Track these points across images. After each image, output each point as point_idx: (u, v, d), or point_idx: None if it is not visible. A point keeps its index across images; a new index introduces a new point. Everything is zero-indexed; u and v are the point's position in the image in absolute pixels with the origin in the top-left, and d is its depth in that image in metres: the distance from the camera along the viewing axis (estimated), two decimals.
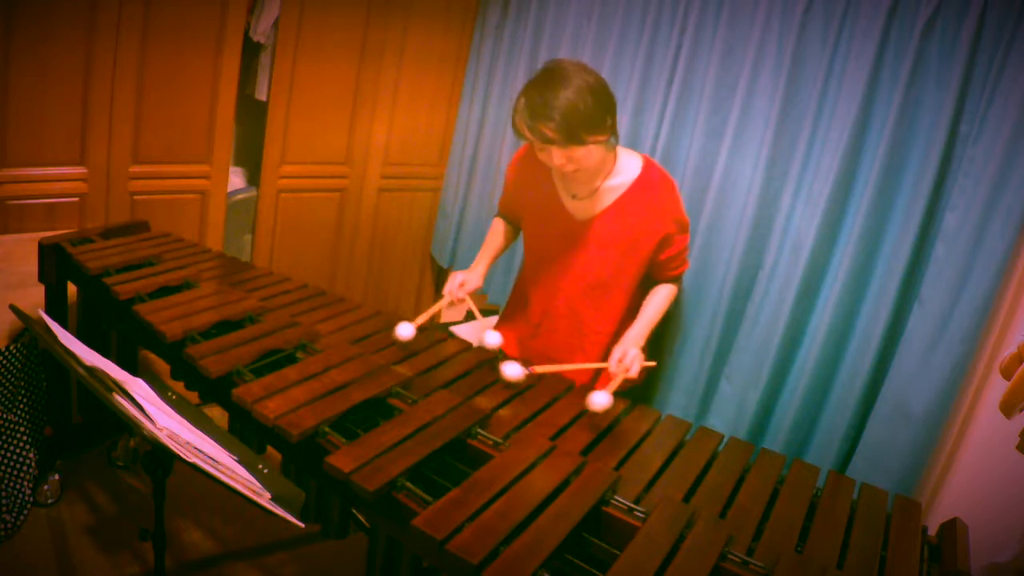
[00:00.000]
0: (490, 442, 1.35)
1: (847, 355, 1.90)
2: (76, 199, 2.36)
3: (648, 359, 1.68)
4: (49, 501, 2.12)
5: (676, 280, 1.82)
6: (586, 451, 1.38)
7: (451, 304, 1.83)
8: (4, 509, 1.97)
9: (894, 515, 1.32)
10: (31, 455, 2.06)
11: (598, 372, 1.81)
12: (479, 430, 1.37)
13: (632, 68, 2.37)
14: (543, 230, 1.80)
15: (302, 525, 1.17)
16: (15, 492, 2.01)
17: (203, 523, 2.18)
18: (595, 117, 1.52)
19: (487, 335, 1.73)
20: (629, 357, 1.61)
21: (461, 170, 3.15)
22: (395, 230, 3.30)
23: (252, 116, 2.89)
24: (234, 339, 1.62)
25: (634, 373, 1.61)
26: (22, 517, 2.01)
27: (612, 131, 1.59)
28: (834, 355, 1.91)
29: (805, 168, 1.94)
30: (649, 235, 1.70)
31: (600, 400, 1.47)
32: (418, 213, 3.35)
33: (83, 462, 2.33)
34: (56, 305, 2.10)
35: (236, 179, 2.94)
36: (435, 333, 1.83)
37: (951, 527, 1.30)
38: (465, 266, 3.12)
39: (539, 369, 1.61)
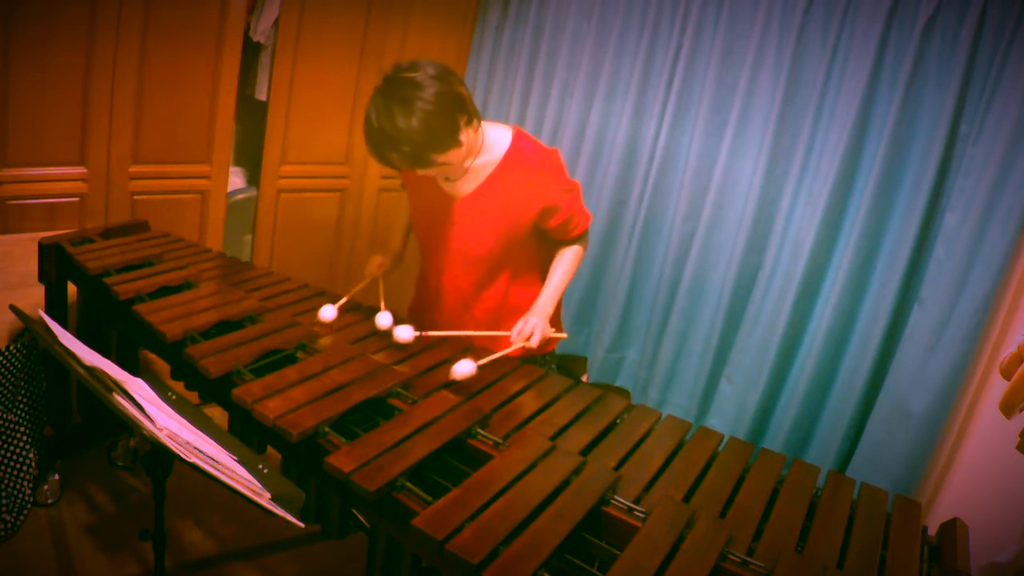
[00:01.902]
0: (490, 442, 1.35)
1: (847, 355, 1.90)
2: (76, 199, 2.36)
3: (648, 356, 1.67)
4: (49, 501, 2.12)
5: (579, 240, 1.80)
6: (586, 451, 1.38)
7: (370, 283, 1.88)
8: (4, 509, 1.97)
9: (894, 515, 1.32)
10: (31, 455, 2.06)
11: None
12: (479, 430, 1.37)
13: (632, 68, 2.38)
14: (424, 211, 1.81)
15: (302, 525, 1.17)
16: (15, 492, 2.01)
17: (203, 523, 2.18)
18: (443, 137, 1.48)
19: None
20: (528, 327, 1.63)
21: None
22: None
23: (252, 116, 2.89)
24: (234, 339, 1.62)
25: (534, 343, 1.62)
26: (22, 517, 2.01)
27: (468, 124, 1.54)
28: (834, 355, 1.91)
29: (805, 168, 1.94)
30: (524, 209, 1.69)
31: (463, 368, 1.52)
32: None
33: (83, 462, 2.33)
34: (56, 305, 2.10)
35: (236, 179, 2.94)
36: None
37: (951, 527, 1.30)
38: None
39: (484, 361, 1.59)
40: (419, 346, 1.68)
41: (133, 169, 2.45)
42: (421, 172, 1.57)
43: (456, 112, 1.50)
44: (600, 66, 2.47)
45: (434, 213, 1.76)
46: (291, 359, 1.60)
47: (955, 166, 1.69)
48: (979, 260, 1.60)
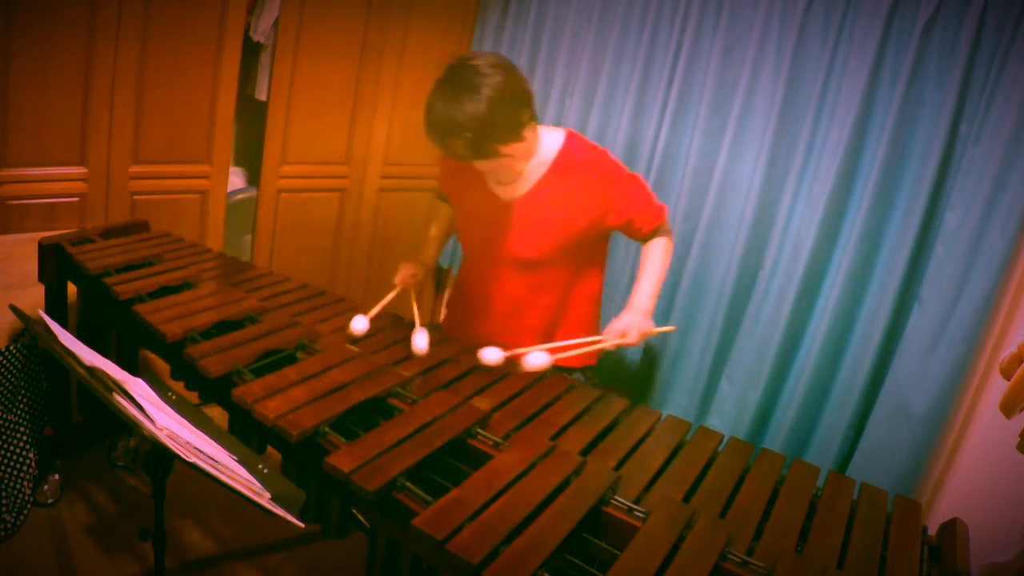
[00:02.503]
0: (490, 442, 1.35)
1: (847, 355, 1.90)
2: (76, 199, 2.36)
3: (648, 355, 1.65)
4: (49, 501, 2.12)
5: (659, 233, 1.74)
6: (586, 451, 1.38)
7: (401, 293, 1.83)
8: (4, 509, 1.97)
9: (894, 515, 1.32)
10: (31, 455, 2.06)
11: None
12: (479, 430, 1.37)
13: (632, 68, 2.38)
14: (472, 215, 1.78)
15: (302, 525, 1.17)
16: (15, 492, 2.01)
17: (203, 523, 2.18)
18: (508, 127, 1.47)
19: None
20: (622, 324, 1.58)
21: None
22: (395, 230, 3.29)
23: (252, 116, 2.89)
24: (234, 339, 1.62)
25: (632, 340, 1.56)
26: (22, 517, 2.01)
27: (529, 123, 1.54)
28: (834, 355, 1.91)
29: (805, 168, 1.94)
30: (578, 211, 1.65)
31: (536, 360, 1.50)
32: (418, 213, 3.35)
33: (83, 462, 2.33)
34: (56, 305, 2.10)
35: (236, 179, 2.94)
36: (436, 333, 1.83)
37: (951, 527, 1.30)
38: None
39: (521, 352, 1.57)
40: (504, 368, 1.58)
41: (133, 169, 2.45)
42: (481, 166, 1.54)
43: (521, 104, 1.50)
44: (600, 66, 2.47)
45: (484, 217, 1.73)
46: (291, 359, 1.60)
47: (955, 166, 1.69)
48: (979, 260, 1.60)
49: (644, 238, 1.74)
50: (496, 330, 1.79)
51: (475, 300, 1.84)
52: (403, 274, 1.82)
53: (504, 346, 1.70)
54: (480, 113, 1.43)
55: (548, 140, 1.65)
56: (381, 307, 1.79)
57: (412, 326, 1.73)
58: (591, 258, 1.77)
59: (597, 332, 1.82)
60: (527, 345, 1.70)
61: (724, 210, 2.13)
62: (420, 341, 1.65)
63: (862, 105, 1.79)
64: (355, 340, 1.70)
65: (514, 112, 1.49)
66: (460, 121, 1.43)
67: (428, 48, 3.03)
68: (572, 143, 1.66)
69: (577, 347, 1.60)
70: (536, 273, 1.72)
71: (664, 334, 1.68)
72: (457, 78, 1.46)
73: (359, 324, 1.71)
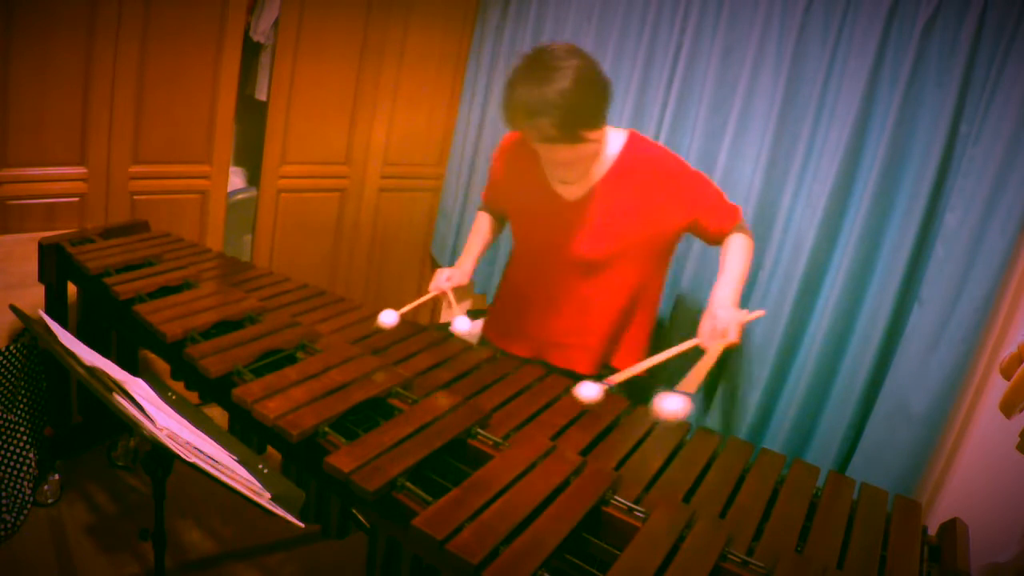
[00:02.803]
0: (490, 442, 1.35)
1: (847, 355, 1.90)
2: (76, 199, 2.36)
3: (650, 355, 1.56)
4: (49, 501, 2.12)
5: (737, 230, 1.68)
6: (586, 451, 1.38)
7: (436, 297, 1.80)
8: (4, 509, 1.97)
9: (894, 515, 1.32)
10: (31, 455, 2.06)
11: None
12: (479, 430, 1.37)
13: (632, 68, 2.37)
14: (534, 215, 1.75)
15: (302, 525, 1.17)
16: (15, 492, 2.01)
17: (203, 523, 2.18)
18: (594, 111, 1.47)
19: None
20: (720, 324, 1.46)
21: (461, 170, 3.15)
22: (395, 230, 3.30)
23: (252, 116, 2.89)
24: (234, 339, 1.62)
25: (733, 338, 1.44)
26: (22, 517, 2.01)
27: (608, 114, 1.53)
28: (834, 355, 1.91)
29: (805, 168, 1.94)
30: (646, 211, 1.63)
31: (589, 391, 1.41)
32: (418, 213, 3.35)
33: (83, 462, 2.33)
34: (56, 305, 2.10)
35: (236, 179, 2.94)
36: (435, 333, 1.83)
37: (951, 527, 1.30)
38: None
39: (616, 379, 1.44)
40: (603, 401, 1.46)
41: (133, 169, 2.45)
42: (558, 154, 1.52)
43: (603, 89, 1.49)
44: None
45: (546, 218, 1.71)
46: (291, 359, 1.60)
47: (955, 166, 1.69)
48: (979, 260, 1.60)
49: (717, 240, 1.70)
50: (557, 332, 1.78)
51: (533, 302, 1.81)
52: (438, 280, 1.79)
53: (566, 347, 1.71)
54: (567, 90, 1.41)
55: (612, 139, 1.64)
56: (414, 307, 1.75)
57: (445, 326, 1.72)
58: (657, 262, 1.74)
59: (650, 339, 1.82)
60: (591, 347, 1.70)
61: None
62: (462, 323, 1.63)
63: (862, 105, 1.79)
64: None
65: (597, 96, 1.48)
66: (549, 98, 1.40)
67: (428, 48, 3.03)
68: (636, 142, 1.65)
69: (670, 358, 1.48)
70: (601, 275, 1.70)
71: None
72: (537, 62, 1.45)
73: (388, 318, 1.69)
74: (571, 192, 1.67)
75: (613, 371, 1.57)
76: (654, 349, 1.61)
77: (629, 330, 1.77)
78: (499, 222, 1.96)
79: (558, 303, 1.77)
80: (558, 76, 1.41)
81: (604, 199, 1.65)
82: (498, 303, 1.97)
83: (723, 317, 1.48)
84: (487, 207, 1.95)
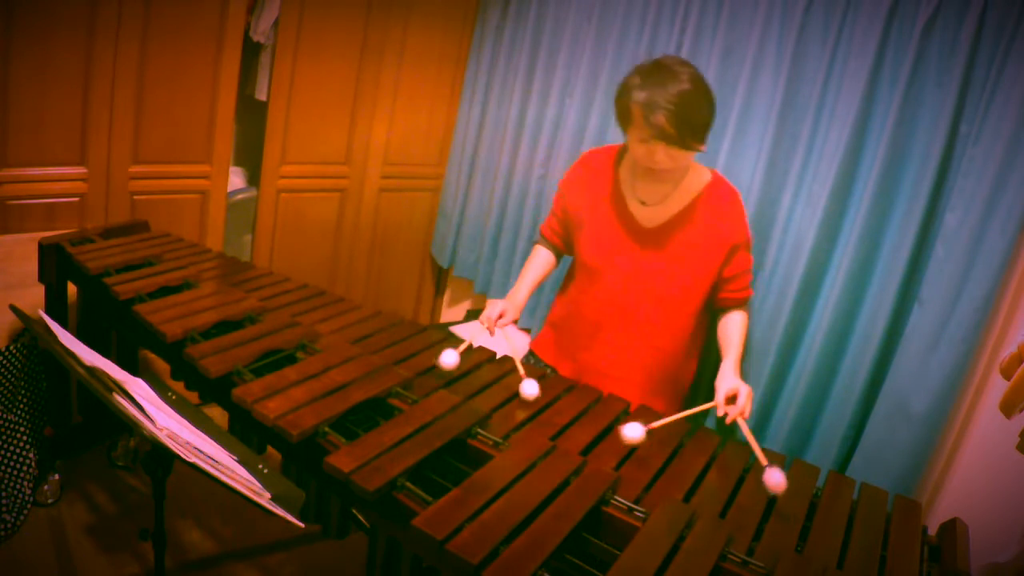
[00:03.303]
0: (490, 442, 1.35)
1: (847, 355, 1.90)
2: (76, 199, 2.36)
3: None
4: (49, 501, 2.12)
5: (743, 304, 1.76)
6: (586, 451, 1.38)
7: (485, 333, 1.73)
8: (4, 509, 1.97)
9: (894, 515, 1.32)
10: (31, 455, 2.06)
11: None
12: (479, 430, 1.37)
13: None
14: (605, 238, 1.74)
15: (302, 525, 1.17)
16: (15, 492, 2.01)
17: (203, 523, 2.18)
18: (705, 119, 1.55)
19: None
20: (742, 396, 1.51)
21: (461, 170, 3.15)
22: (395, 230, 3.30)
23: (252, 116, 2.89)
24: (234, 339, 1.62)
25: (747, 413, 1.51)
26: (22, 517, 2.01)
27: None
28: (834, 355, 1.91)
29: (805, 168, 1.94)
30: (717, 246, 1.68)
31: (633, 432, 1.39)
32: (418, 213, 3.35)
33: (83, 462, 2.33)
34: (56, 305, 2.10)
35: (236, 179, 2.94)
36: (436, 333, 1.84)
37: (951, 527, 1.30)
38: (465, 267, 3.14)
39: (656, 425, 1.44)
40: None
41: (133, 169, 2.45)
42: (660, 158, 1.55)
43: (713, 104, 1.56)
44: (600, 66, 2.47)
45: (618, 242, 1.72)
46: (291, 359, 1.60)
47: (955, 166, 1.69)
48: (979, 260, 1.60)
49: (730, 304, 1.75)
50: (609, 360, 1.77)
51: (587, 325, 1.80)
52: (489, 312, 1.73)
53: (607, 377, 1.73)
54: (687, 91, 1.50)
55: (698, 172, 1.71)
56: (464, 348, 1.67)
57: (509, 366, 1.66)
58: (707, 307, 1.77)
59: (687, 392, 1.87)
60: (635, 382, 1.74)
61: None
62: (531, 387, 1.56)
63: (862, 105, 1.79)
64: (445, 376, 1.60)
65: (709, 105, 1.55)
66: (670, 96, 1.48)
67: (428, 48, 3.03)
68: (719, 180, 1.72)
69: (693, 414, 1.51)
70: (667, 308, 1.72)
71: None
72: (656, 67, 1.54)
73: (450, 359, 1.60)
74: (649, 219, 1.70)
75: (645, 409, 1.60)
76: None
77: (668, 370, 1.79)
78: (557, 256, 1.93)
79: (616, 332, 1.76)
80: (678, 79, 1.50)
81: (682, 230, 1.68)
82: (552, 323, 1.94)
83: (743, 392, 1.52)
84: (546, 240, 1.92)
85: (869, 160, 1.82)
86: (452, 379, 1.59)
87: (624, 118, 1.57)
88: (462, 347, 1.66)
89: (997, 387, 1.57)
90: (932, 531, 1.36)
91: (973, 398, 1.67)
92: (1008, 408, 1.45)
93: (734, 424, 1.52)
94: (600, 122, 2.46)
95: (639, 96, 1.51)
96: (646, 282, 1.70)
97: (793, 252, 1.94)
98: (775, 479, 1.31)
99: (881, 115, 1.79)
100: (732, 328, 1.72)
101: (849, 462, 1.84)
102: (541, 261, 1.90)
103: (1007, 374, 1.47)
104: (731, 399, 1.53)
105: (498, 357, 1.76)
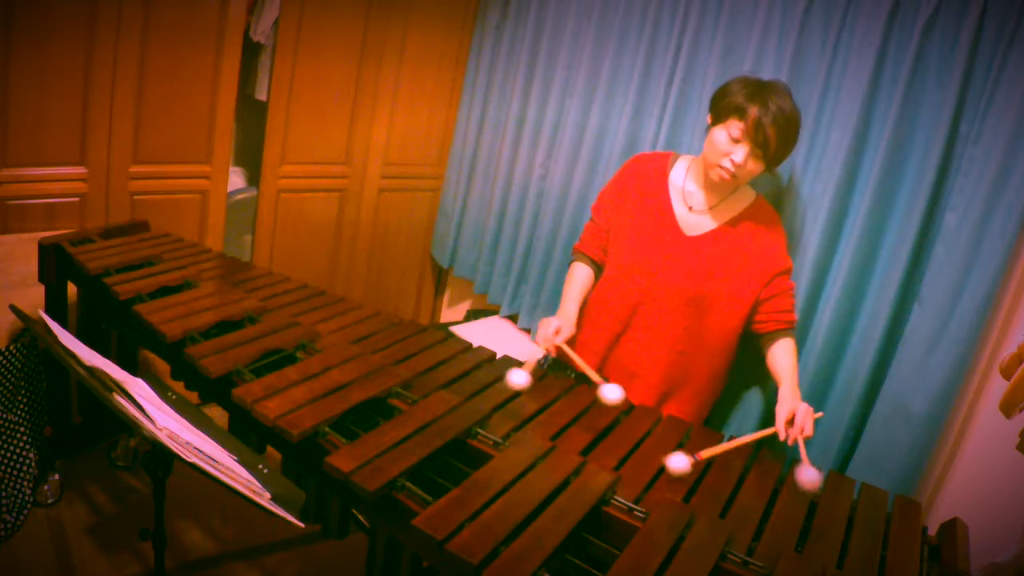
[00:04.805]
0: (490, 442, 1.35)
1: (847, 355, 1.90)
2: (76, 199, 2.36)
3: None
4: (49, 501, 2.12)
5: (789, 332, 1.74)
6: (586, 451, 1.38)
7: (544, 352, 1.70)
8: (4, 509, 1.97)
9: (894, 515, 1.32)
10: (31, 455, 2.06)
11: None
12: (479, 430, 1.37)
13: (632, 68, 2.37)
14: (644, 240, 1.76)
15: (302, 525, 1.17)
16: (15, 492, 2.01)
17: (203, 523, 2.18)
18: (794, 142, 1.64)
19: (607, 389, 1.54)
20: (800, 416, 1.48)
21: (461, 170, 3.15)
22: (395, 230, 3.29)
23: (252, 116, 2.89)
24: (234, 339, 1.62)
25: (809, 431, 1.47)
26: (22, 517, 2.01)
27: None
28: (834, 355, 1.91)
29: (805, 168, 1.94)
30: (756, 266, 1.71)
31: (679, 463, 1.36)
32: (418, 213, 3.35)
33: (83, 462, 2.33)
34: (56, 305, 2.10)
35: (236, 179, 2.94)
36: (436, 333, 1.84)
37: (951, 527, 1.30)
38: (465, 267, 3.13)
39: (705, 454, 1.41)
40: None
41: (133, 169, 2.45)
42: (738, 160, 1.60)
43: (798, 134, 1.64)
44: (600, 66, 2.47)
45: (658, 246, 1.75)
46: (291, 359, 1.60)
47: (955, 166, 1.69)
48: (979, 260, 1.60)
49: (774, 329, 1.74)
50: (631, 358, 1.80)
51: (615, 324, 1.81)
52: (544, 331, 1.68)
53: (628, 372, 1.76)
54: (791, 109, 1.60)
55: (744, 191, 1.78)
56: (532, 365, 1.63)
57: (581, 378, 1.66)
58: (739, 324, 1.76)
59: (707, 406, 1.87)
60: (652, 384, 1.77)
61: None
62: (613, 392, 1.55)
63: (862, 105, 1.79)
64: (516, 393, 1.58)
65: (798, 130, 1.64)
66: (788, 113, 1.58)
67: (428, 48, 3.03)
68: (763, 201, 1.79)
69: (751, 442, 1.49)
70: (696, 314, 1.73)
71: None
72: (765, 84, 1.63)
73: (519, 378, 1.57)
74: (692, 226, 1.74)
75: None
76: None
77: (695, 381, 1.79)
78: (597, 271, 1.91)
79: (641, 331, 1.78)
80: (793, 105, 1.61)
81: (723, 242, 1.72)
82: (587, 317, 1.91)
83: (800, 411, 1.49)
84: (584, 255, 1.91)
85: (869, 160, 1.82)
86: (452, 379, 1.59)
87: (729, 109, 1.61)
88: (529, 367, 1.61)
89: (997, 387, 1.57)
90: (932, 531, 1.36)
91: (973, 398, 1.67)
92: (1008, 408, 1.45)
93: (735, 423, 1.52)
94: (600, 121, 2.46)
95: (761, 98, 1.57)
96: (679, 285, 1.72)
97: (793, 252, 1.94)
98: (809, 476, 1.30)
99: (881, 115, 1.79)
100: (782, 355, 1.70)
101: (849, 462, 1.85)
102: (582, 275, 1.89)
103: (1007, 374, 1.47)
104: (790, 422, 1.49)
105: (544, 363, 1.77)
